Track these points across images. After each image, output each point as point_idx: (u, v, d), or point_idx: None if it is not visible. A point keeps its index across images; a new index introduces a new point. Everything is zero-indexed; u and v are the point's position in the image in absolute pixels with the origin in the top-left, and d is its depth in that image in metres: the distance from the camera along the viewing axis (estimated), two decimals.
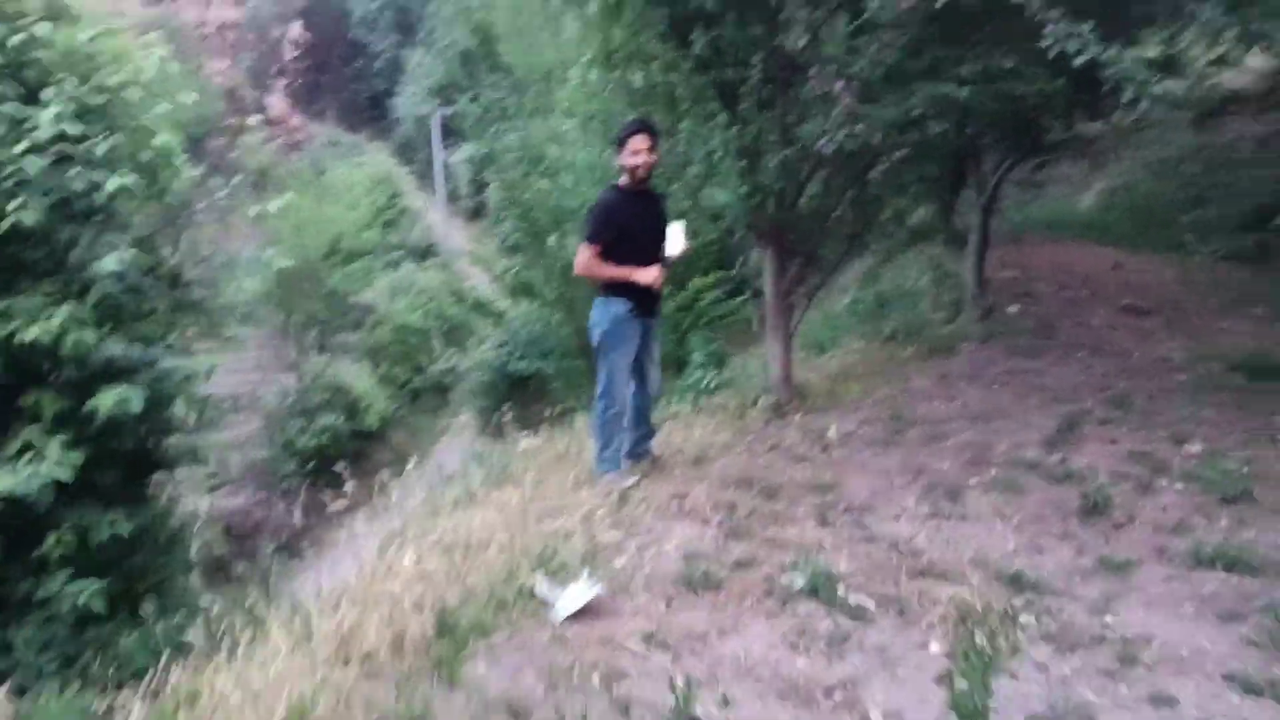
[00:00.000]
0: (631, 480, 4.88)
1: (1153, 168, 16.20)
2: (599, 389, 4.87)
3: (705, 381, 7.32)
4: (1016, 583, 4.00)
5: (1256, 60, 12.73)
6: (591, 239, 4.71)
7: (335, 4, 43.43)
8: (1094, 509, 4.92)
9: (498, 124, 12.76)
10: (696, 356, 8.31)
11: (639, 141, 4.71)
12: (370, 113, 42.38)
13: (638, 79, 6.25)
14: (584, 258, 4.74)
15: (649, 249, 4.79)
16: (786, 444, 5.87)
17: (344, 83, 44.04)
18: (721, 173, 6.09)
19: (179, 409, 8.41)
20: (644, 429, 5.24)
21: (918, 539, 4.46)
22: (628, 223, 4.73)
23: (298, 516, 15.18)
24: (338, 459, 16.58)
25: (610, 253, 4.72)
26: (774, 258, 6.49)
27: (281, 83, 43.01)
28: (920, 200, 6.45)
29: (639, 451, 5.21)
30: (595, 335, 4.86)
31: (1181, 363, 7.99)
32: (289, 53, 43.52)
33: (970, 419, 6.38)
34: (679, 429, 6.33)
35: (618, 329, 4.80)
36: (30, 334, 7.19)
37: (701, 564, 3.98)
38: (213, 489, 15.08)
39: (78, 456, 7.22)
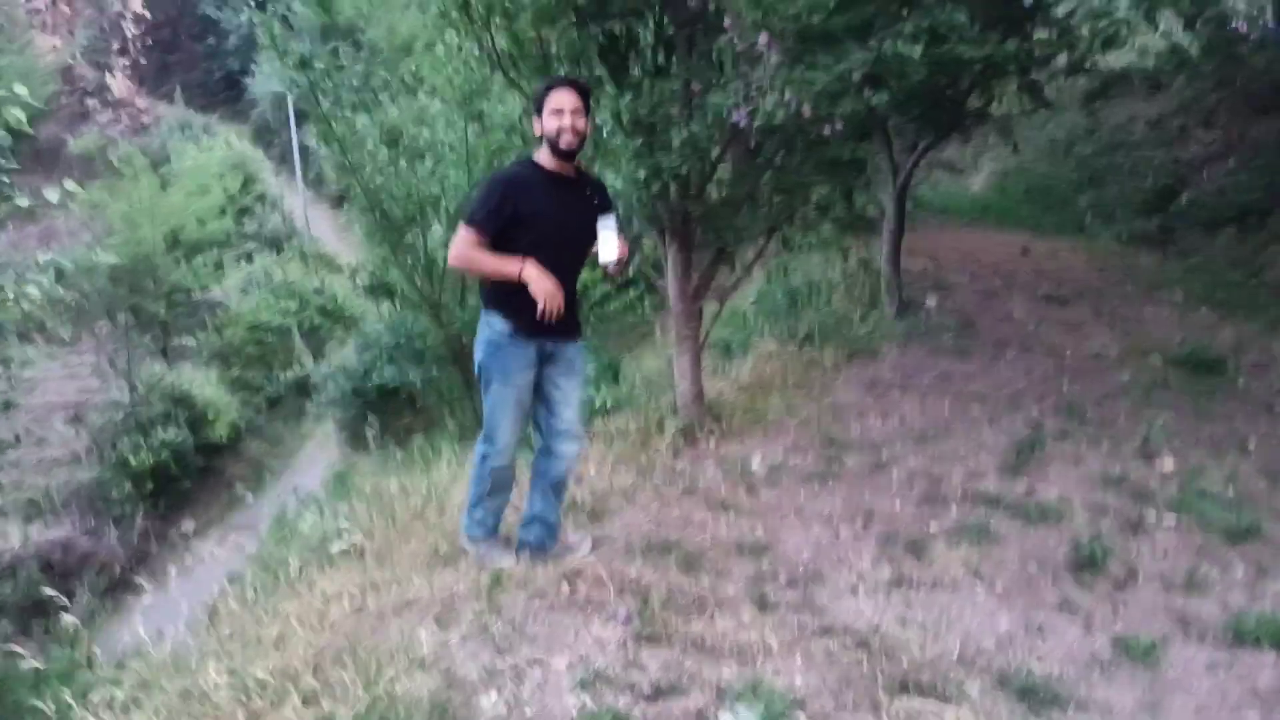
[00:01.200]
0: (507, 560, 3.67)
1: (1044, 149, 15.87)
2: (483, 429, 3.63)
3: (598, 401, 6.13)
4: (1029, 695, 3.00)
5: (1147, 38, 12.36)
6: (472, 220, 3.33)
7: None
8: (1087, 562, 4.00)
9: (351, 101, 11.19)
10: (589, 368, 7.04)
11: (562, 99, 3.38)
12: (225, 93, 39.37)
13: (501, 39, 5.00)
14: (459, 243, 3.34)
15: (565, 250, 3.46)
16: (704, 485, 4.77)
17: (194, 61, 40.83)
18: (612, 153, 4.92)
19: None
20: (544, 511, 3.71)
21: (886, 624, 3.42)
22: (535, 210, 3.35)
23: (132, 546, 13.31)
24: (182, 478, 14.74)
25: (505, 247, 3.35)
26: (678, 254, 5.36)
27: (124, 62, 39.56)
28: (836, 184, 5.42)
29: (529, 542, 3.74)
30: (476, 360, 3.56)
31: (1118, 358, 7.29)
32: (131, 29, 40.07)
33: (913, 440, 5.43)
34: None
35: (498, 354, 3.43)
36: None
37: (607, 697, 2.82)
38: (29, 519, 13.09)
39: None
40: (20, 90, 6.54)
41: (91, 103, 36.40)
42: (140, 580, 13.44)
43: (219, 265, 21.63)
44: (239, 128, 35.23)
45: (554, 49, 4.90)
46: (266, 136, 34.29)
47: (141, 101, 38.33)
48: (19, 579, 11.40)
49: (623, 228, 3.56)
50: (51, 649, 8.96)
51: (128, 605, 12.51)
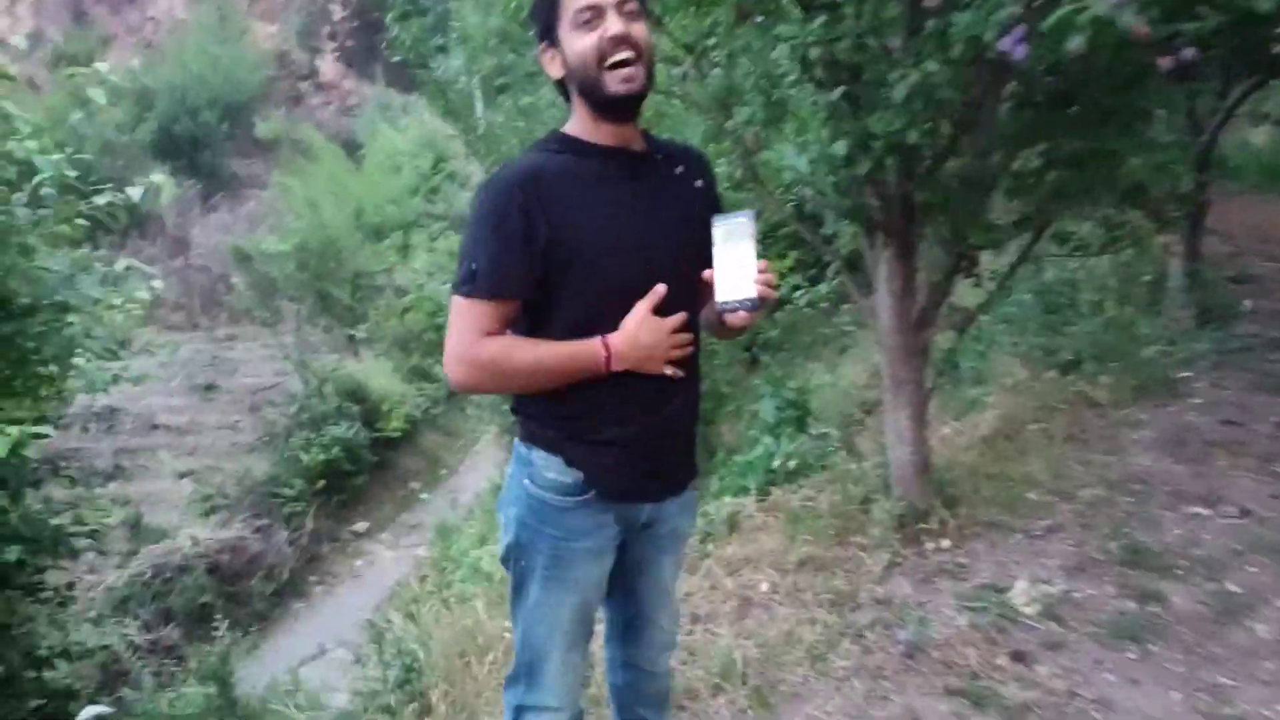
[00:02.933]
0: None
1: None
2: (513, 665, 1.93)
3: (776, 460, 4.42)
4: None
5: None
6: (472, 286, 1.69)
7: None
8: None
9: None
10: (765, 409, 5.19)
11: None
12: (423, 72, 39.94)
13: None
14: (460, 339, 1.70)
15: (661, 284, 1.74)
16: (939, 641, 3.02)
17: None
18: (798, 117, 3.22)
19: None
20: None
21: None
22: (586, 221, 1.71)
23: (302, 547, 12.87)
24: (354, 474, 14.25)
25: (546, 313, 1.74)
26: (896, 263, 3.58)
27: (332, 45, 40.96)
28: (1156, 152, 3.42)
29: None
30: (502, 540, 1.90)
31: None
32: (338, 13, 41.41)
33: (1274, 553, 3.43)
34: (721, 577, 3.55)
35: (547, 531, 1.80)
36: None
37: None
38: (206, 514, 12.90)
39: None
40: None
41: (304, 85, 37.96)
42: (309, 584, 13.14)
43: (405, 248, 21.34)
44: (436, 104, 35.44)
45: None
46: (459, 116, 34.28)
47: (348, 84, 39.57)
48: (187, 584, 11.07)
49: (758, 226, 1.78)
50: (189, 681, 8.33)
51: (294, 613, 12.08)
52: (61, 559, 5.41)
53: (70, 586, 6.32)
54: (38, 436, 4.57)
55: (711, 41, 3.21)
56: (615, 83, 1.69)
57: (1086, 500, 3.90)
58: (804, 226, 3.90)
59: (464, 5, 10.70)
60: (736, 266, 1.71)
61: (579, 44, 1.70)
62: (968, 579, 3.38)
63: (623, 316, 1.70)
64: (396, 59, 11.79)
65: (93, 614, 9.98)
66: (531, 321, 1.74)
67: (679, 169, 1.86)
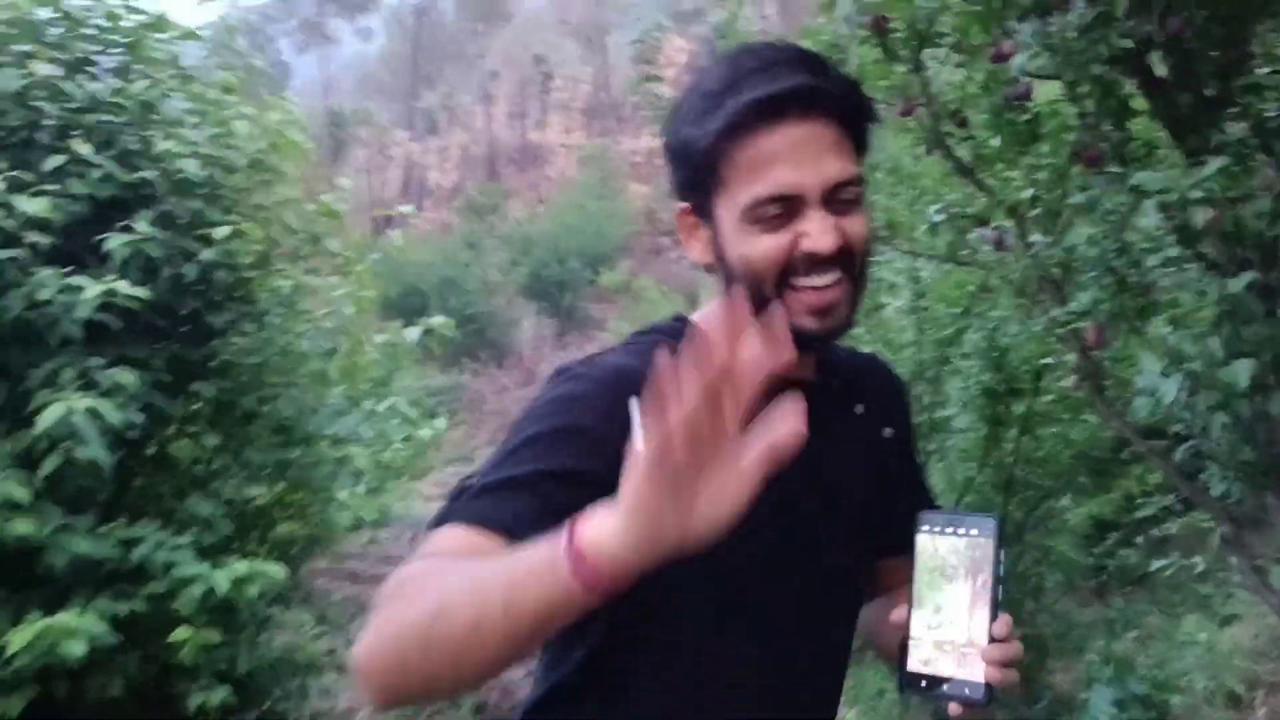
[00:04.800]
0: None
1: None
2: None
3: None
4: None
5: None
6: (483, 514, 0.91)
7: None
8: None
9: None
10: (1097, 705, 3.56)
11: (786, 137, 0.96)
12: None
13: None
14: (415, 583, 0.84)
15: (804, 629, 1.06)
16: None
17: None
18: (1168, 312, 2.09)
19: None
20: None
21: None
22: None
23: None
24: None
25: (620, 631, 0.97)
26: None
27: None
28: None
29: None
30: None
31: None
32: None
33: None
34: None
35: None
36: None
37: None
38: None
39: None
40: None
41: (664, 240, 40.78)
42: None
43: None
44: None
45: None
46: None
47: None
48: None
49: (1005, 553, 0.93)
50: None
51: None
52: (279, 699, 5.21)
53: (353, 712, 6.20)
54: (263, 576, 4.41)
55: (1032, 194, 2.23)
56: (802, 314, 1.00)
57: None
58: (1164, 464, 2.65)
59: None
60: (954, 620, 0.94)
61: (753, 247, 1.00)
62: None
63: (739, 631, 1.00)
64: None
65: None
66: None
67: (859, 408, 1.14)
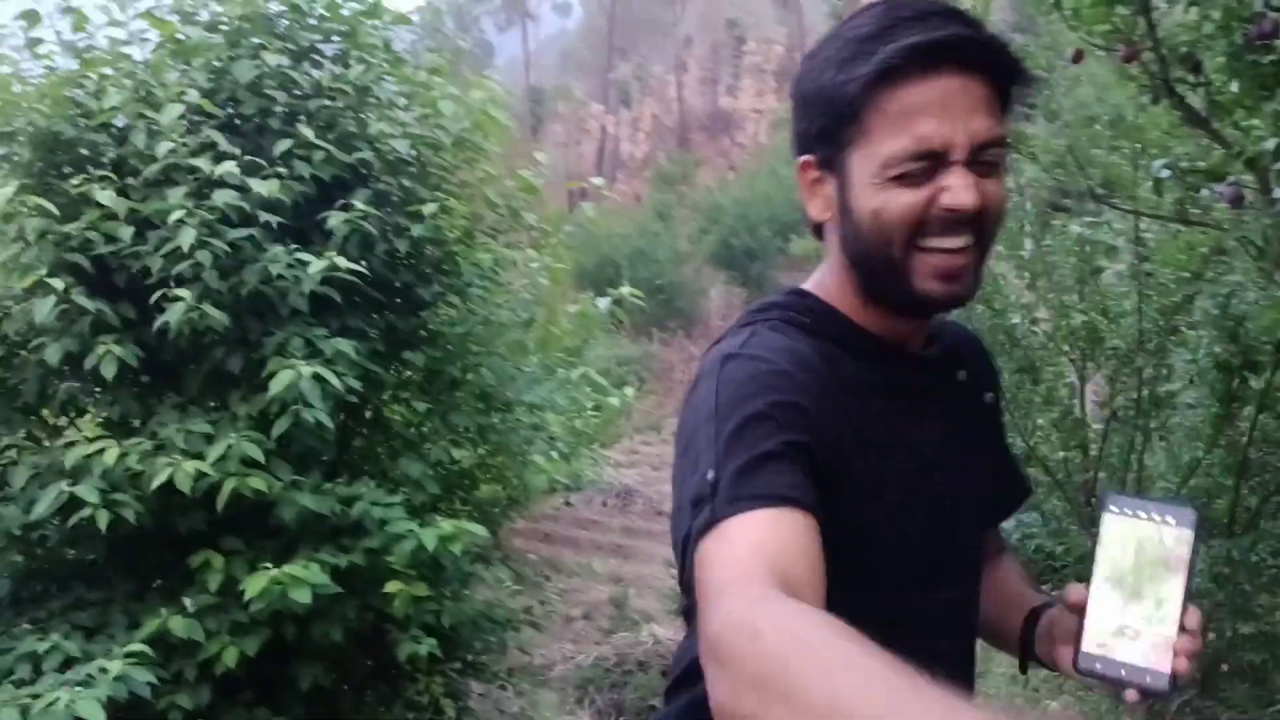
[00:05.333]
0: None
1: None
2: None
3: None
4: None
5: None
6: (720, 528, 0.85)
7: None
8: None
9: None
10: None
11: (939, 89, 0.92)
12: None
13: None
14: (726, 617, 0.75)
15: (951, 586, 1.08)
16: None
17: None
18: None
19: None
20: None
21: None
22: (890, 479, 0.99)
23: None
24: None
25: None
26: None
27: None
28: None
29: None
30: None
31: None
32: None
33: None
34: None
35: None
36: None
37: None
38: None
39: None
40: None
41: None
42: None
43: None
44: None
45: None
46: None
47: None
48: (641, 681, 11.22)
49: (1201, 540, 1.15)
50: None
51: None
52: (480, 652, 5.49)
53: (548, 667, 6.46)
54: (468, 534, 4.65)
55: (1276, 145, 1.99)
56: (929, 277, 0.98)
57: None
58: None
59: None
60: (1143, 606, 0.93)
61: (887, 202, 0.96)
62: None
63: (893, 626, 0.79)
64: None
65: (563, 690, 10.52)
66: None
67: (961, 374, 1.13)
